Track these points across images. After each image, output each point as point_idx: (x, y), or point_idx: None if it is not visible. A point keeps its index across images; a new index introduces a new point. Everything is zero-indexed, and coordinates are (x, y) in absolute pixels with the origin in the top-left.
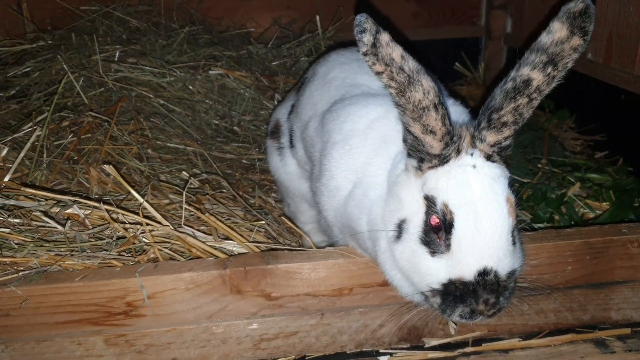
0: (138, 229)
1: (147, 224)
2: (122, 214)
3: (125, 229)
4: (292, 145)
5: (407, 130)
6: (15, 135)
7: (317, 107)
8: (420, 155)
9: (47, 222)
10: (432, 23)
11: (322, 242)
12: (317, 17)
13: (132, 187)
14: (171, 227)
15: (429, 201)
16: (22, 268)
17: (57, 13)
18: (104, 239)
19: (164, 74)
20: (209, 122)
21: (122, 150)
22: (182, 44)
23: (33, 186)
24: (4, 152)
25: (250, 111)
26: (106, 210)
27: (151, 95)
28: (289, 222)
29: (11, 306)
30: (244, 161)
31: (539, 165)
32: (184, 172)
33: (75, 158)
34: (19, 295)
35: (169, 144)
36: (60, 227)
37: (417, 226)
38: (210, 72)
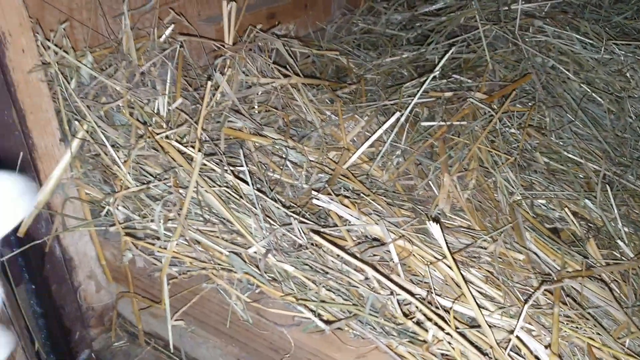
0: (437, 338)
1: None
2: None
3: (423, 326)
4: None
5: None
6: (383, 104)
7: None
8: None
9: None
10: None
11: None
12: None
13: (491, 216)
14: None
15: None
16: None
17: None
18: (396, 320)
19: (597, 48)
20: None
21: (497, 153)
22: None
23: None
24: (356, 129)
25: None
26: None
27: (570, 74)
28: None
29: (279, 344)
30: None
31: None
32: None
33: (437, 149)
34: (287, 340)
35: (565, 152)
36: (358, 276)
37: None
38: None
